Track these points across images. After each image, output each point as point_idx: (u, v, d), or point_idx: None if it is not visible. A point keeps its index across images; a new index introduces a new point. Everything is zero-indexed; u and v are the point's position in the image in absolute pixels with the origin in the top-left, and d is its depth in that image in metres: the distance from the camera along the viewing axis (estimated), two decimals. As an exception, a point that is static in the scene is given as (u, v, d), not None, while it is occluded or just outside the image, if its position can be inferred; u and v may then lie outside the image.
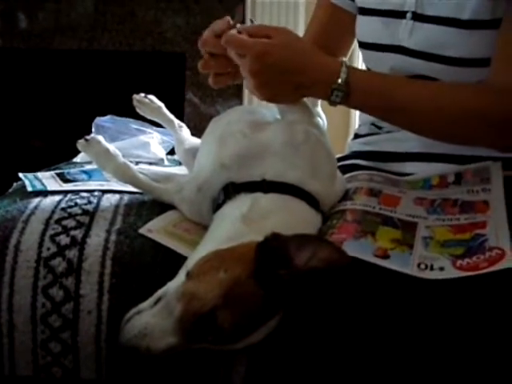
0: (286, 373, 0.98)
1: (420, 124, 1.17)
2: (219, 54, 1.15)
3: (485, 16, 1.15)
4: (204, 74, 1.20)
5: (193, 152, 1.38)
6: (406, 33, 1.24)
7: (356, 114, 2.69)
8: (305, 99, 1.18)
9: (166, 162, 1.61)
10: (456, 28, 1.17)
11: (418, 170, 1.28)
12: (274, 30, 1.12)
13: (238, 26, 1.12)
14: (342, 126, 2.82)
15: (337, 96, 1.11)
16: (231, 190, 1.08)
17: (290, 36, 1.13)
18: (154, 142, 1.66)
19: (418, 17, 1.22)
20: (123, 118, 1.73)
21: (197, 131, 1.57)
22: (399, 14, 1.25)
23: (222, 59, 1.15)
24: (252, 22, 1.19)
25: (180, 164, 1.56)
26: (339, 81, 1.10)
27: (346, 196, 1.20)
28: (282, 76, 1.10)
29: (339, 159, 1.36)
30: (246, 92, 2.86)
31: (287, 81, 1.11)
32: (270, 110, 1.23)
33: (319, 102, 1.40)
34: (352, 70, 1.12)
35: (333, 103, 1.13)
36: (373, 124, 1.39)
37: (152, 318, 0.93)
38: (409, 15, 1.24)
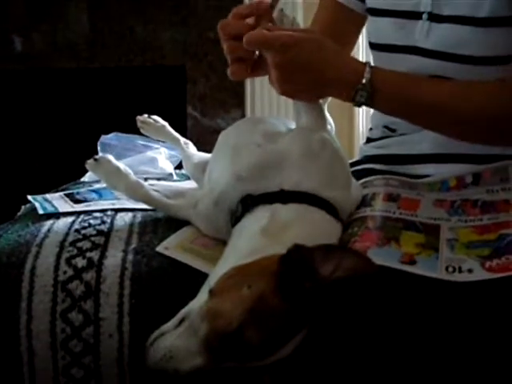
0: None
1: (444, 123, 1.14)
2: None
3: (503, 12, 1.12)
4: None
5: (202, 166, 1.35)
6: (422, 34, 1.21)
7: (360, 118, 2.68)
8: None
9: (175, 177, 1.59)
10: (473, 26, 1.14)
11: (434, 171, 1.26)
12: (299, 29, 1.13)
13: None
14: (347, 131, 2.80)
15: (361, 96, 1.09)
16: (249, 203, 1.06)
17: (316, 34, 1.12)
18: (162, 157, 1.64)
19: (435, 17, 1.20)
20: (128, 135, 1.71)
21: (200, 145, 1.55)
22: (415, 15, 1.22)
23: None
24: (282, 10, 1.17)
25: (189, 178, 1.54)
26: (363, 81, 1.08)
27: (365, 202, 1.18)
28: (304, 71, 1.07)
29: (352, 164, 1.34)
30: (248, 103, 2.84)
31: (309, 77, 1.08)
32: (280, 120, 1.21)
33: (325, 105, 1.38)
34: (375, 69, 1.10)
35: (357, 104, 1.11)
36: (385, 127, 1.36)
37: (177, 340, 0.90)
38: (425, 16, 1.21)
